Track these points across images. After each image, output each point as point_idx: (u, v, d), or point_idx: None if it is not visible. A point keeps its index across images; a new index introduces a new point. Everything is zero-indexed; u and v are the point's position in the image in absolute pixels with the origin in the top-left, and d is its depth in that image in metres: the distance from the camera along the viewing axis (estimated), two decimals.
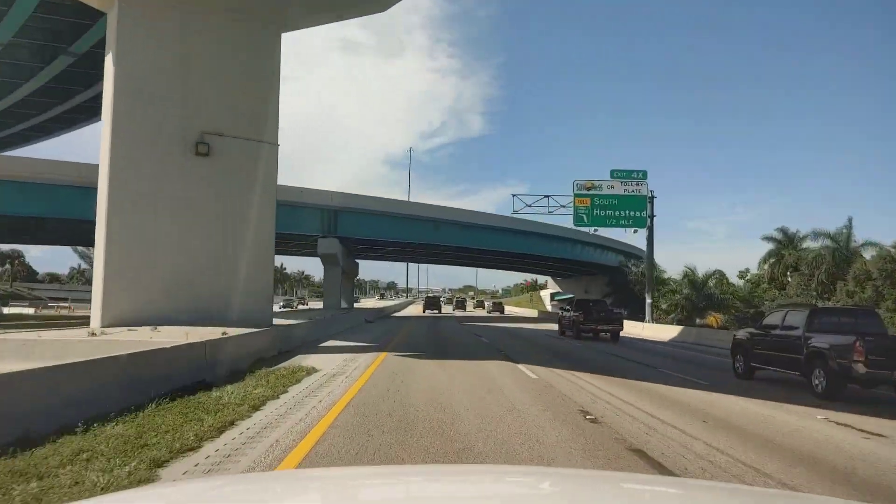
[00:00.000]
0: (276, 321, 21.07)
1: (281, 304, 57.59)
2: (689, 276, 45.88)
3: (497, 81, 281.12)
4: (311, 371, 12.06)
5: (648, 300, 37.88)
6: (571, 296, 76.32)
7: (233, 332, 13.77)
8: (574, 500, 1.88)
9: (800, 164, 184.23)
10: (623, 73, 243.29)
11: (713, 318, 43.17)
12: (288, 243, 45.41)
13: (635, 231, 36.95)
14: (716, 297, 44.89)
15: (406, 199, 54.88)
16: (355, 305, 57.40)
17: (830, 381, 10.46)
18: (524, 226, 50.69)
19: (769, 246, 53.34)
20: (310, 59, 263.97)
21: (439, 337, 25.04)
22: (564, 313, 29.32)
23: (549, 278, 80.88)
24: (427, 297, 69.17)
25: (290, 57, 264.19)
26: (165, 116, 16.66)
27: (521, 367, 13.80)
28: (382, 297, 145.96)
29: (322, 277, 52.76)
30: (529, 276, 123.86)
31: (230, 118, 17.59)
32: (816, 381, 10.79)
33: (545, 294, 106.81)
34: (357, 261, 55.12)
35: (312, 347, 17.76)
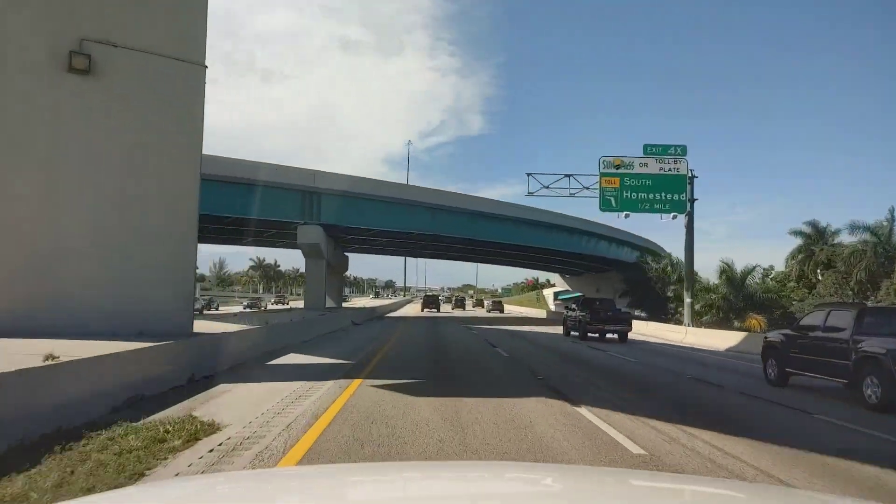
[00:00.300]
0: (213, 327, 15.20)
1: (245, 303, 50.77)
2: (727, 273, 40.00)
3: (497, 81, 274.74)
4: (196, 435, 6.16)
5: (688, 299, 32.00)
6: (579, 294, 70.68)
7: (84, 349, 7.90)
8: (576, 500, 1.83)
9: (800, 164, 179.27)
10: (623, 73, 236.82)
11: (755, 321, 37.29)
12: (264, 232, 39.45)
13: (674, 216, 31.07)
14: (758, 296, 39.03)
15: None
16: (344, 305, 51.45)
17: (887, 391, 9.16)
18: (532, 214, 44.84)
19: (797, 241, 48.50)
20: (309, 58, 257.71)
21: (441, 347, 19.11)
22: (570, 313, 27.44)
23: (557, 275, 74.99)
24: (425, 296, 67.79)
25: (290, 56, 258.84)
26: (19, 12, 10.71)
27: (587, 413, 7.90)
28: (377, 295, 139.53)
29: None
30: (531, 275, 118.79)
31: (129, 23, 11.66)
32: (869, 392, 9.49)
33: (548, 293, 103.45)
34: (347, 254, 49.17)
35: (254, 368, 11.89)
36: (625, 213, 30.75)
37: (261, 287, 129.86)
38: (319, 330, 21.47)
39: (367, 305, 53.97)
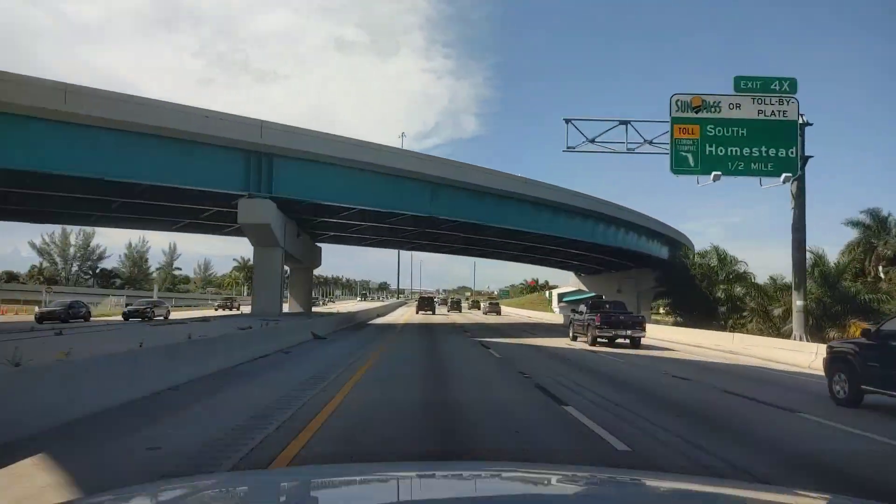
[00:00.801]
0: None
1: (129, 308, 36.24)
2: (820, 267, 30.34)
3: (492, 82, 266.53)
4: None
5: (799, 302, 22.06)
6: (591, 294, 61.58)
7: None
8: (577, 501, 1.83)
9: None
10: (619, 72, 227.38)
11: (858, 328, 27.76)
12: (199, 211, 29.45)
13: (784, 180, 21.34)
14: (860, 297, 29.34)
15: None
16: (317, 309, 41.43)
17: None
18: (557, 196, 35.19)
19: (852, 234, 39.63)
20: (306, 58, 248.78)
21: (447, 414, 8.63)
22: (576, 316, 24.58)
23: (571, 274, 65.13)
24: (421, 298, 65.55)
25: (287, 57, 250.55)
26: None
27: None
28: (365, 297, 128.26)
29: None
30: (540, 272, 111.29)
31: None
32: None
33: (552, 294, 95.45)
34: (319, 244, 39.18)
35: None
36: (713, 174, 20.89)
37: (245, 289, 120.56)
38: (228, 358, 11.52)
39: (347, 310, 43.89)
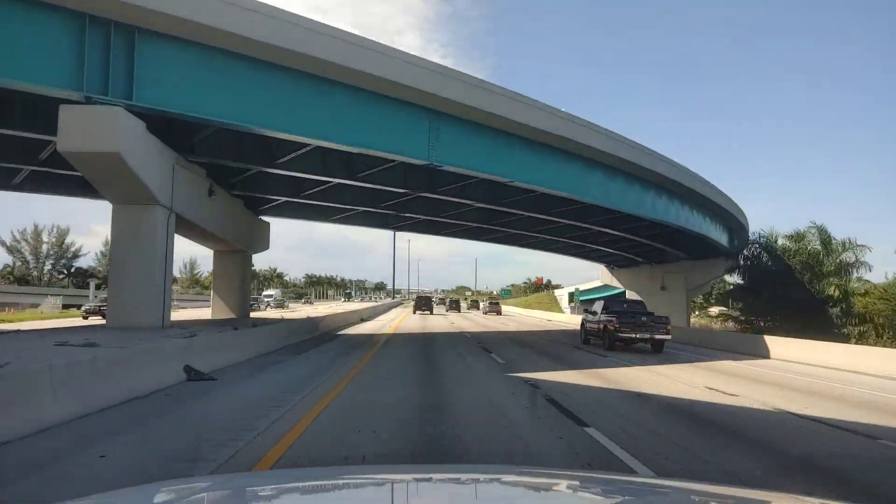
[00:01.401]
0: None
1: None
2: None
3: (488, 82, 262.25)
4: None
5: None
6: (617, 292, 51.24)
7: None
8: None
9: (788, 167, 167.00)
10: (614, 69, 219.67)
11: None
12: (30, 148, 17.47)
13: None
14: None
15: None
16: (258, 314, 29.49)
17: None
18: (607, 145, 23.31)
19: None
20: None
21: None
22: (590, 316, 22.02)
23: (602, 267, 53.31)
24: (418, 297, 66.41)
25: None
26: None
27: None
28: (348, 297, 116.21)
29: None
30: (541, 272, 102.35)
31: None
32: None
33: (560, 293, 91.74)
34: (266, 219, 27.23)
35: None
36: None
37: None
38: None
39: (313, 314, 31.87)
